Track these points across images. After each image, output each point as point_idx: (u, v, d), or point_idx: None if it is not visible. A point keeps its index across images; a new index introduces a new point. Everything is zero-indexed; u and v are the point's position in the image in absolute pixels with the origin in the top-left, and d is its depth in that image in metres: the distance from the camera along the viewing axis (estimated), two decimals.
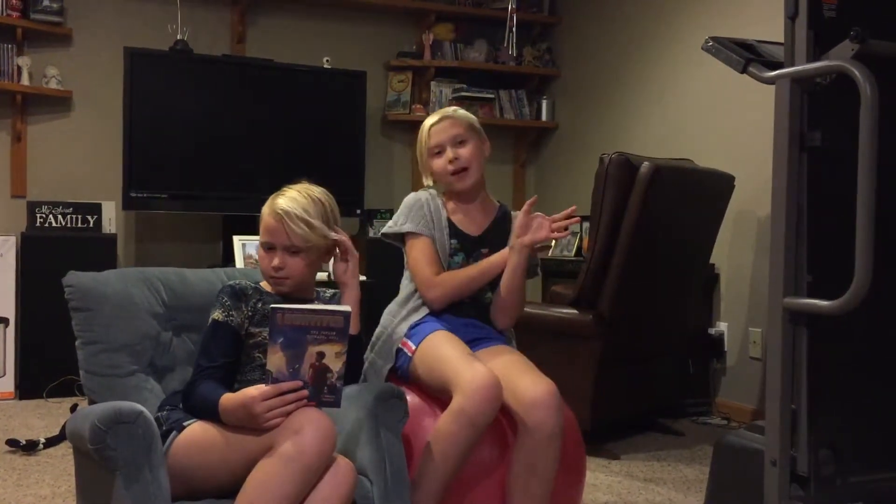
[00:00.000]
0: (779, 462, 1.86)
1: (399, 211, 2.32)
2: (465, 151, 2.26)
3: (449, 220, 2.30)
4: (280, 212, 1.86)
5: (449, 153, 2.26)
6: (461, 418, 1.94)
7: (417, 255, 2.25)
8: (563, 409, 2.05)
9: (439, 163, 2.28)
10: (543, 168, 5.63)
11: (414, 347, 2.16)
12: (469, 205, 2.34)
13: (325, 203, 1.92)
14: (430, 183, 2.35)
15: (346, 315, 1.65)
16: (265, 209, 1.91)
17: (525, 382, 2.04)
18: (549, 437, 2.00)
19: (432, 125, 2.30)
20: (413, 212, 2.28)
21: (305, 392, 1.65)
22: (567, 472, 2.15)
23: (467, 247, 2.30)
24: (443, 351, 2.09)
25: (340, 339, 1.65)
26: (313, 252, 1.89)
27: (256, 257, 4.17)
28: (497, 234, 2.34)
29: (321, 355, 1.65)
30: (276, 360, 1.64)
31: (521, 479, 2.02)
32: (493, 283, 2.28)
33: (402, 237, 2.31)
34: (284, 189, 1.92)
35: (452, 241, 2.28)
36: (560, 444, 2.03)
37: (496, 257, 2.25)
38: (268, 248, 1.90)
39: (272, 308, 1.64)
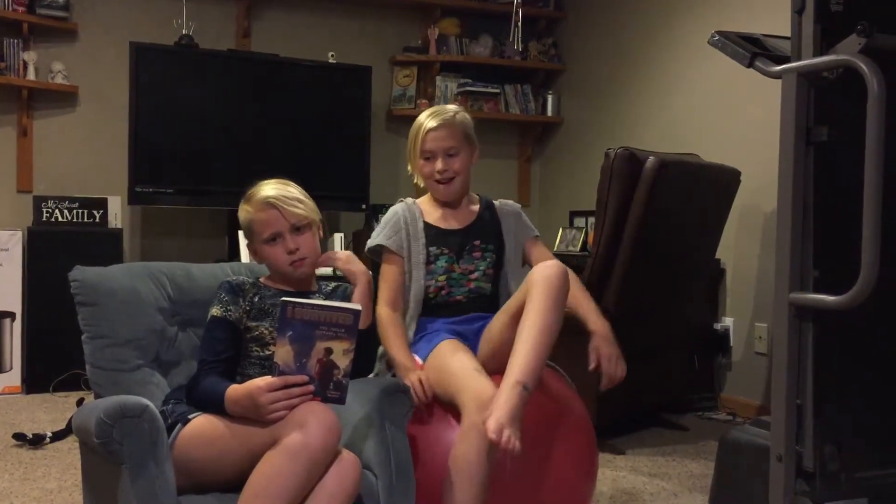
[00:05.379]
0: (784, 457, 1.86)
1: (378, 226, 2.34)
2: (455, 164, 2.28)
3: (427, 225, 2.30)
4: (272, 200, 1.89)
5: (439, 164, 2.27)
6: (472, 435, 1.88)
7: (384, 275, 2.27)
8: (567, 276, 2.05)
9: (428, 168, 2.30)
10: (549, 163, 5.62)
11: (421, 362, 2.14)
12: (451, 206, 2.36)
13: (296, 186, 1.98)
14: (419, 182, 2.35)
15: (355, 313, 1.66)
16: (249, 212, 1.92)
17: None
18: (550, 278, 2.01)
19: (429, 130, 2.27)
20: (388, 227, 2.30)
21: (311, 387, 1.65)
22: (579, 471, 2.15)
23: (453, 244, 2.30)
24: (449, 365, 2.06)
25: (349, 337, 1.65)
26: (313, 226, 1.94)
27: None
28: (485, 225, 2.35)
29: (329, 351, 1.65)
30: (283, 352, 1.65)
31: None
32: (493, 279, 2.32)
33: (380, 252, 2.31)
34: (252, 190, 1.94)
35: (431, 248, 2.28)
36: (564, 288, 2.03)
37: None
38: (272, 239, 1.90)
39: (282, 301, 1.65)
